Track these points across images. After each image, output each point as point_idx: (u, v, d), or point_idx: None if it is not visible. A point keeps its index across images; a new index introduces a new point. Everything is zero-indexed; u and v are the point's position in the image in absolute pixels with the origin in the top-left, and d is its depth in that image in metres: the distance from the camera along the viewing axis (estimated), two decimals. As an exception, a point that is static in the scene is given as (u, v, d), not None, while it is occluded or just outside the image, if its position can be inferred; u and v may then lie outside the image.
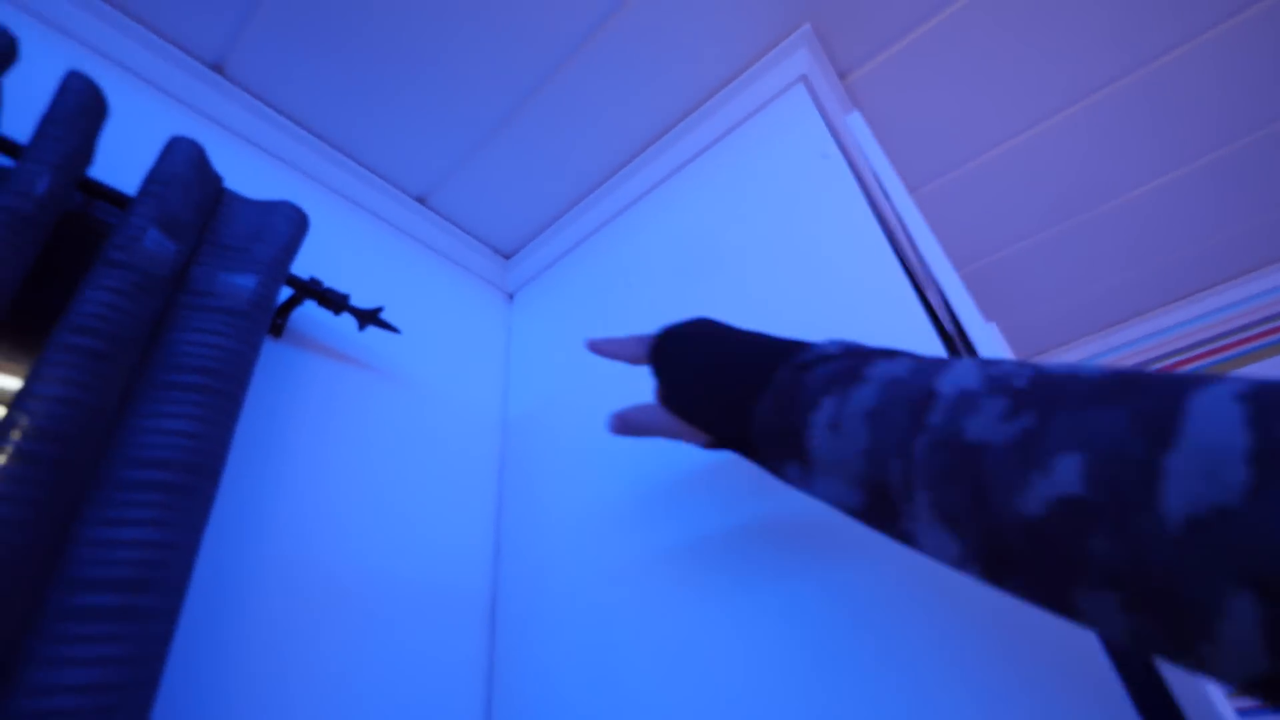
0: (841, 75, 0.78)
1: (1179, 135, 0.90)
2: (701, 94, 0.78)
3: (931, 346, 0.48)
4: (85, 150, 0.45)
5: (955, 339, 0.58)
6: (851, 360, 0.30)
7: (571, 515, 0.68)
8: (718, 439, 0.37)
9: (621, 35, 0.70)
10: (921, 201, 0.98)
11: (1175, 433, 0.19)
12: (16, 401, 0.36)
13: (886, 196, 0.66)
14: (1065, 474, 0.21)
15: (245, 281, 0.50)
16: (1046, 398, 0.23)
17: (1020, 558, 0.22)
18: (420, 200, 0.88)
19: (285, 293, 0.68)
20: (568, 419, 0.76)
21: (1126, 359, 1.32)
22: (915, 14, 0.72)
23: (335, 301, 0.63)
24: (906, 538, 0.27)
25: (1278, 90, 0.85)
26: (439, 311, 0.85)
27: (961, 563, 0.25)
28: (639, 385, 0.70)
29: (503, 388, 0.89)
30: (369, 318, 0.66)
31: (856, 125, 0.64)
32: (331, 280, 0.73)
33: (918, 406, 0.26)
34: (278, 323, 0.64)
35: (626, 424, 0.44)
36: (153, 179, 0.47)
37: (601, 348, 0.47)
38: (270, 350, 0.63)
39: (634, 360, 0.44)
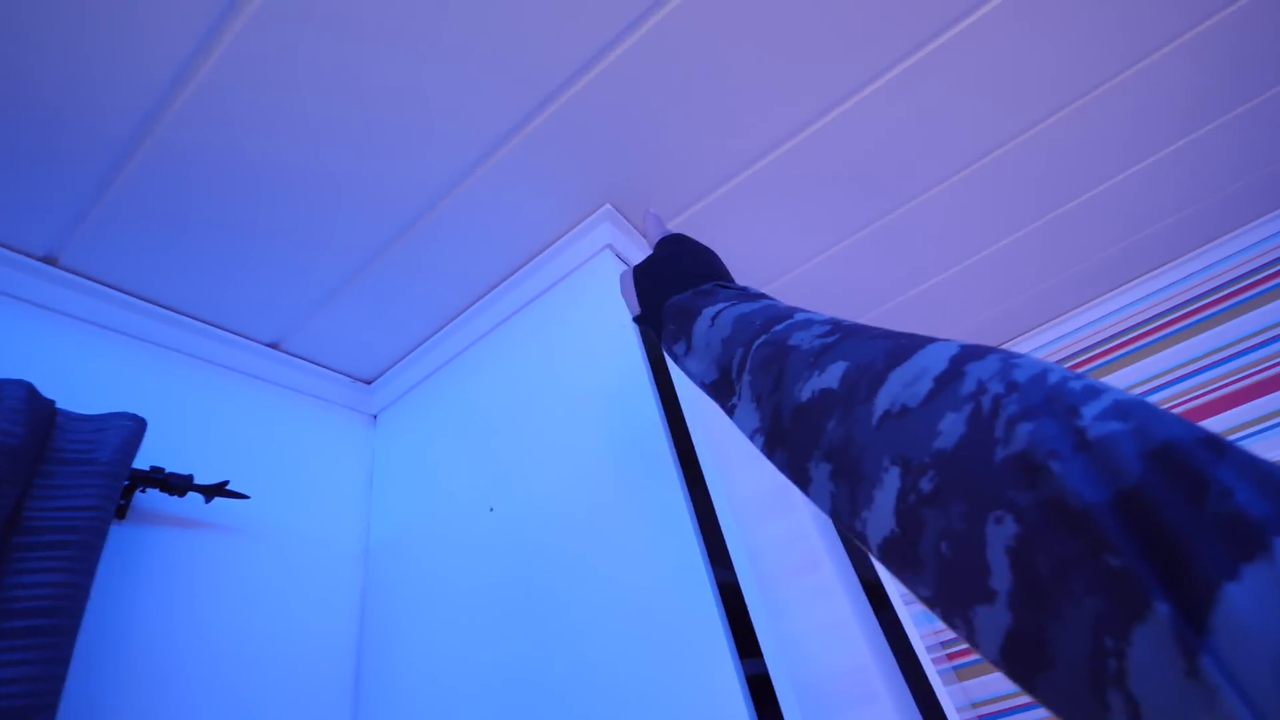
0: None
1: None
2: (526, 255, 0.90)
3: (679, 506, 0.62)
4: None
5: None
6: (756, 293, 0.41)
7: (435, 640, 0.76)
8: (645, 312, 0.48)
9: (454, 211, 0.81)
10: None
11: (907, 359, 0.25)
12: None
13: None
14: (832, 373, 0.27)
15: (82, 501, 0.56)
16: (853, 331, 0.30)
17: (787, 433, 0.29)
18: (274, 346, 0.94)
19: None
20: (432, 539, 0.84)
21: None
22: (702, 187, 0.88)
23: (178, 486, 0.68)
24: (731, 411, 0.36)
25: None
26: (297, 445, 0.91)
27: (754, 435, 0.33)
28: (501, 502, 0.79)
29: (365, 513, 0.96)
30: (215, 491, 0.72)
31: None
32: (187, 433, 0.78)
33: (772, 319, 0.34)
34: (121, 504, 0.69)
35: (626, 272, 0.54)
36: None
37: (643, 221, 0.66)
38: (115, 534, 0.67)
39: (648, 239, 0.59)
